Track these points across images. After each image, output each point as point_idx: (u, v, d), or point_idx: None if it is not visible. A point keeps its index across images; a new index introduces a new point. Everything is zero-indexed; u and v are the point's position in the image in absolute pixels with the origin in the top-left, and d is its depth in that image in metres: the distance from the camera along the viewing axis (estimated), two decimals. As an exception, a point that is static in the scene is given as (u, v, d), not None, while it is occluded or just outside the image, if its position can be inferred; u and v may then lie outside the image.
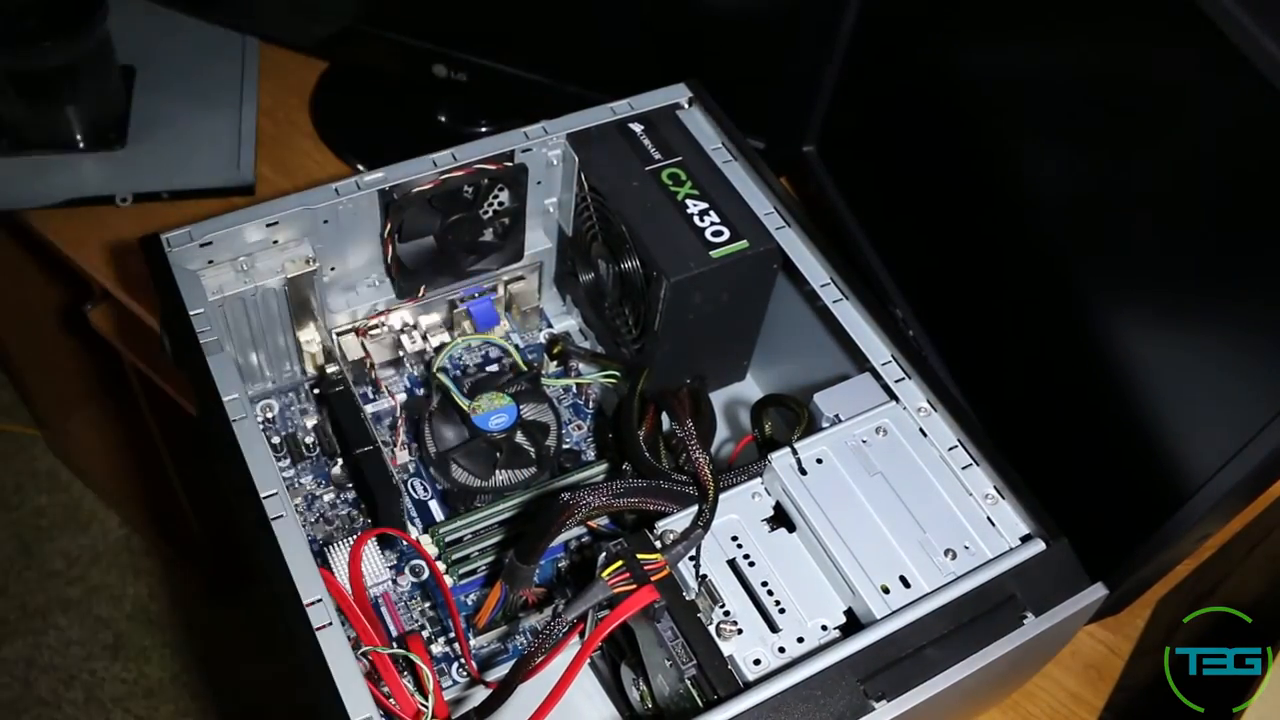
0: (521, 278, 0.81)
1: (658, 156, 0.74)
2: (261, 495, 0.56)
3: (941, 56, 0.74)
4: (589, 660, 0.66)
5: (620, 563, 0.56)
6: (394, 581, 0.69)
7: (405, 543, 0.70)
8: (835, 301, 0.68)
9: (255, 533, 0.55)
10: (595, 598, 0.55)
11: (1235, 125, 0.54)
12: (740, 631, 0.56)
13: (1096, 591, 0.56)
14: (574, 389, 0.80)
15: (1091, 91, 0.62)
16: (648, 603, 0.54)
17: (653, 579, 0.55)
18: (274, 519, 0.55)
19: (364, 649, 0.55)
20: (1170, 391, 0.60)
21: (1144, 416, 0.61)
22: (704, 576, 0.57)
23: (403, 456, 0.74)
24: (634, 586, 0.54)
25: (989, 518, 0.59)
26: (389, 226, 0.71)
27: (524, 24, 0.91)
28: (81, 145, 1.00)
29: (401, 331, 0.78)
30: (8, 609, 1.65)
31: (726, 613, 0.56)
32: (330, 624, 0.52)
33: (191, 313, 0.62)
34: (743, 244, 0.69)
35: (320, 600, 0.52)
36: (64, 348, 1.46)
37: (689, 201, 0.71)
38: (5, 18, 0.93)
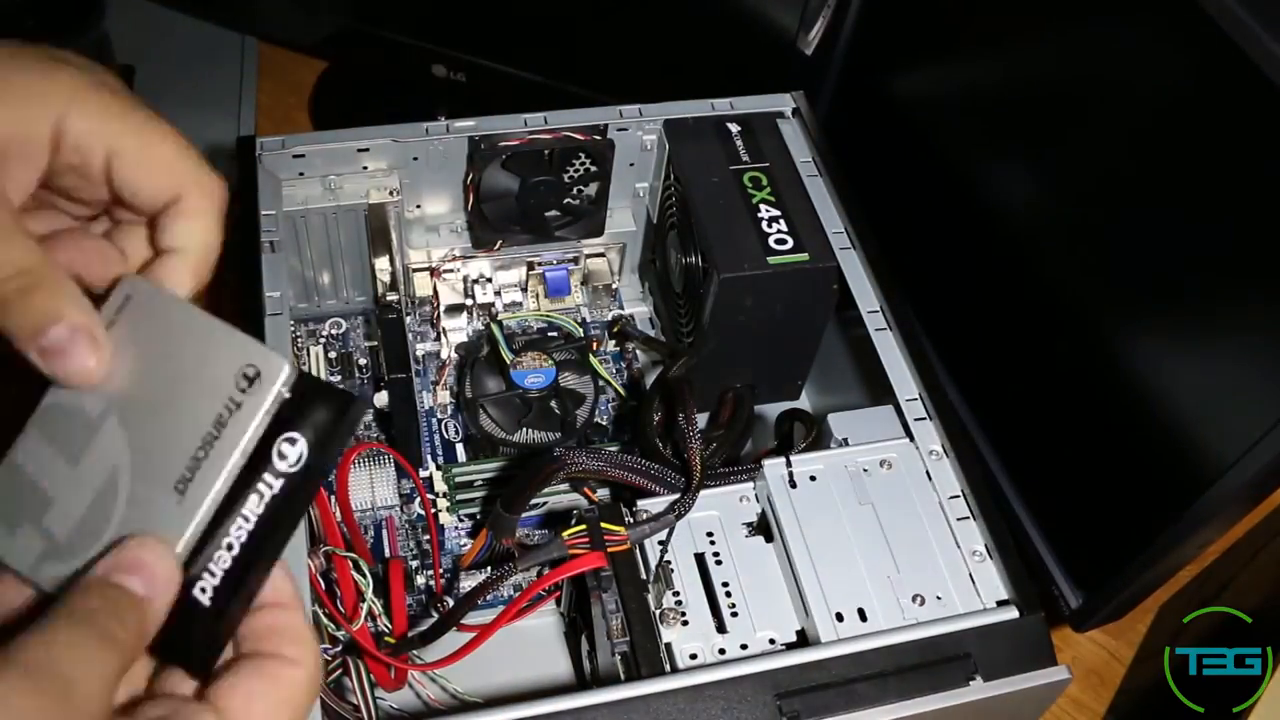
0: (602, 254, 0.83)
1: (746, 158, 0.74)
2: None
3: (936, 77, 0.75)
4: (567, 632, 0.67)
5: (584, 527, 0.56)
6: (402, 510, 0.72)
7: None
8: (878, 330, 0.66)
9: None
10: (549, 553, 0.56)
11: (1239, 125, 0.51)
12: (686, 623, 0.56)
13: (1059, 674, 0.53)
14: (623, 369, 0.81)
15: (1095, 94, 0.61)
16: (591, 568, 0.54)
17: (609, 550, 0.56)
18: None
19: (325, 548, 0.57)
20: (1171, 398, 0.58)
21: (1145, 423, 0.59)
22: (667, 562, 0.57)
23: (443, 396, 0.77)
24: (584, 552, 0.55)
25: (971, 574, 0.57)
26: (472, 175, 0.74)
27: (524, 24, 0.91)
28: (80, 145, 1.01)
29: (475, 282, 0.81)
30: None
31: (678, 601, 0.56)
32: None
33: (262, 212, 0.66)
34: (803, 256, 0.69)
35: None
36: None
37: (763, 206, 0.71)
38: (4, 18, 0.93)
